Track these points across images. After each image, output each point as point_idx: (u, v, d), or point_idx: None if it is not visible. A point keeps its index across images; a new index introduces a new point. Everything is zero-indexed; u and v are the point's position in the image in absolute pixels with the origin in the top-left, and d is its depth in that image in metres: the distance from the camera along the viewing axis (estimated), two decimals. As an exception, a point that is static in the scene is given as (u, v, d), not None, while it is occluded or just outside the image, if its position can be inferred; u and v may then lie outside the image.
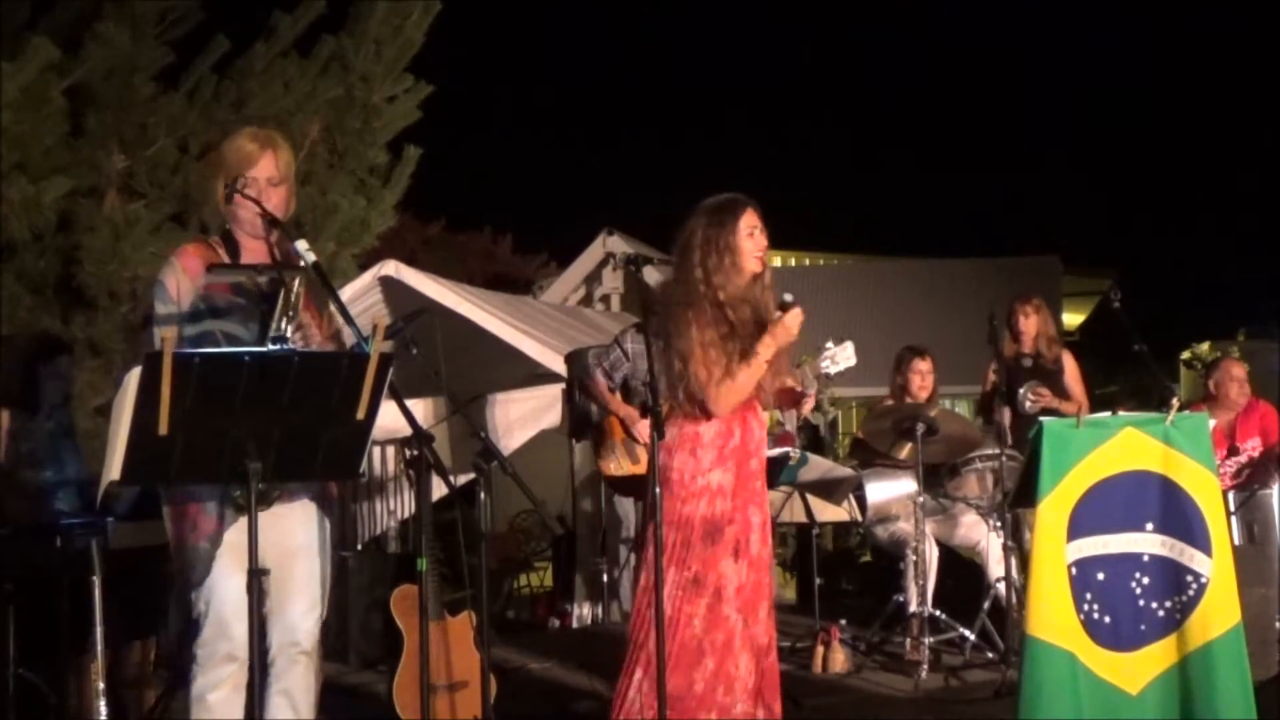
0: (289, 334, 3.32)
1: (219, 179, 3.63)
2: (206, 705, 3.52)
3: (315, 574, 3.65)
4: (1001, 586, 6.14)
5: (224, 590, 3.45)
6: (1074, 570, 3.89)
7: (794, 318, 4.28)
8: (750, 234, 4.30)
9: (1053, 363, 6.80)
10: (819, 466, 6.60)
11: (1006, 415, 6.38)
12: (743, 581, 4.26)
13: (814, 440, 12.17)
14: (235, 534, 3.43)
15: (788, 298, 4.33)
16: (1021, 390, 6.58)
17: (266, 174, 3.60)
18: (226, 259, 3.62)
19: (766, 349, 4.26)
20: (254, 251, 3.65)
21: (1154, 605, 3.92)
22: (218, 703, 3.51)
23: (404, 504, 8.29)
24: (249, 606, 3.18)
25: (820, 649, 6.35)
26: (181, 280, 3.56)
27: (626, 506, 8.19)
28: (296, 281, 3.36)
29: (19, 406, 5.26)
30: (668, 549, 4.21)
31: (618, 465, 6.51)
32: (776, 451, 6.88)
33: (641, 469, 6.30)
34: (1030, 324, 6.78)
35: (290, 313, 3.34)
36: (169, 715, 5.00)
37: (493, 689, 4.50)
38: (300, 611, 3.63)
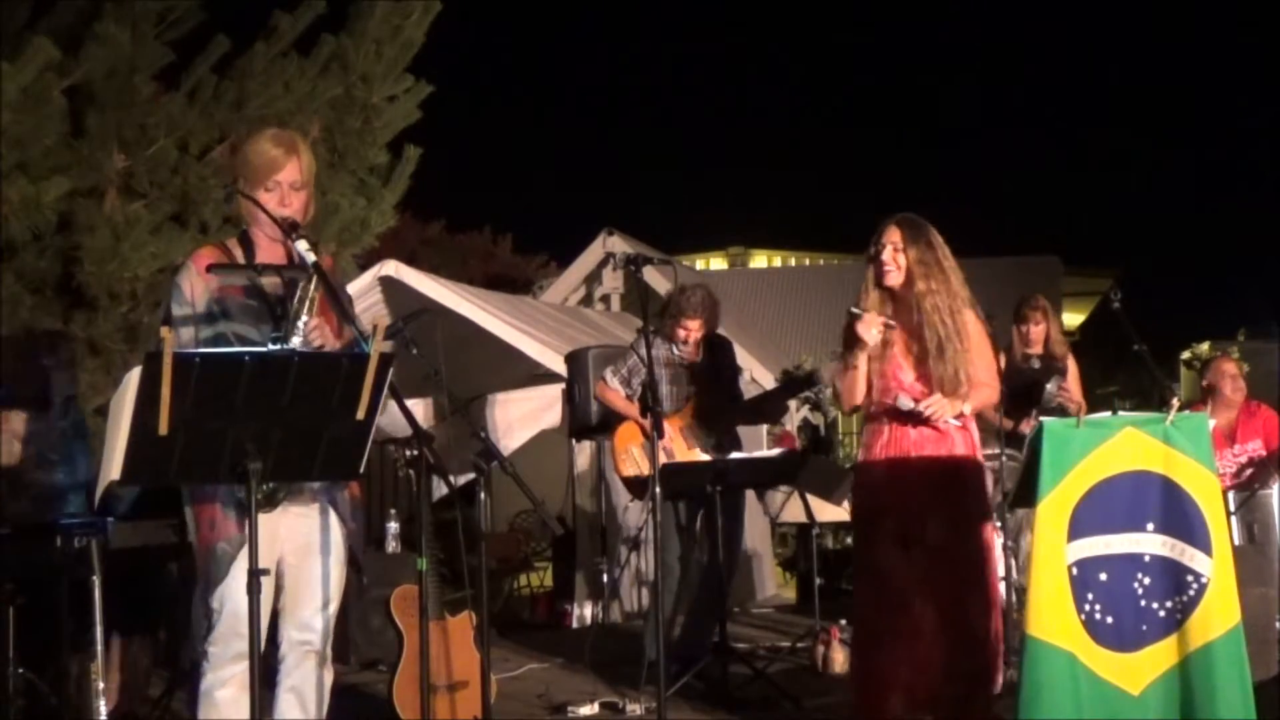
0: (297, 334, 3.33)
1: (235, 179, 3.65)
2: (214, 702, 3.53)
3: (328, 574, 3.65)
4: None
5: (238, 589, 3.44)
6: (1075, 570, 3.88)
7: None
8: (880, 251, 4.52)
9: (1061, 361, 6.79)
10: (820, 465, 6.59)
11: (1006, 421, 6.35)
12: None
13: (814, 439, 12.20)
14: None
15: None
16: (1050, 385, 6.55)
17: (290, 178, 3.61)
18: (242, 260, 3.63)
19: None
20: (271, 253, 3.66)
21: (1155, 605, 3.91)
22: (225, 700, 3.51)
23: (404, 504, 8.29)
24: (250, 605, 3.18)
25: (820, 649, 6.35)
26: (196, 282, 3.58)
27: (627, 506, 8.17)
28: (311, 284, 3.39)
29: (31, 408, 5.25)
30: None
31: (636, 466, 6.25)
32: (775, 451, 6.88)
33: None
34: (1039, 330, 6.77)
35: (304, 315, 3.36)
36: (169, 715, 5.01)
37: (493, 689, 4.50)
38: (312, 610, 3.64)
